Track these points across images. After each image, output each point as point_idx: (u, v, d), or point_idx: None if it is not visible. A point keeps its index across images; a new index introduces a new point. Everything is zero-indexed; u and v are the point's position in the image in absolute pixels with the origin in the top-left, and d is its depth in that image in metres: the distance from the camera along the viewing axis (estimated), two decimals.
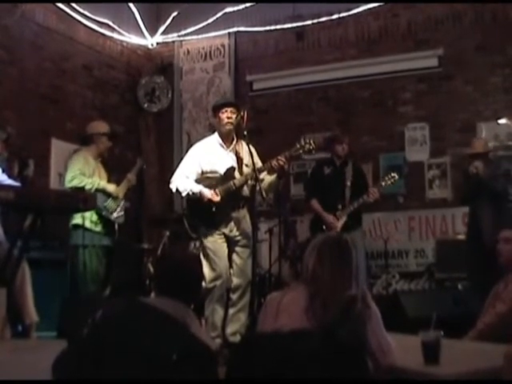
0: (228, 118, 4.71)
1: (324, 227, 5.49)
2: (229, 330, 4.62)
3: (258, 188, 4.44)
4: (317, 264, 2.53)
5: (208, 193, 4.63)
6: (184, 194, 4.75)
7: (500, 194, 5.49)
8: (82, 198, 4.03)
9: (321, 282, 2.48)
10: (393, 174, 5.62)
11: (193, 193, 4.68)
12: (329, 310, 2.38)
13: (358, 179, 5.78)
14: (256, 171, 4.43)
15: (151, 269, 6.05)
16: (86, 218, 5.27)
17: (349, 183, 5.69)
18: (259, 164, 4.66)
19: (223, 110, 4.75)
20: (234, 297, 4.66)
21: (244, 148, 4.76)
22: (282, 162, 4.53)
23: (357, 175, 5.81)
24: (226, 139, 4.81)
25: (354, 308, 2.39)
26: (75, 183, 5.29)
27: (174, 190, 4.84)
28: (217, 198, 4.60)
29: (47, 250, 5.30)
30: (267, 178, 4.65)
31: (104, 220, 5.43)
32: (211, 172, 4.75)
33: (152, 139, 8.12)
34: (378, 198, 5.59)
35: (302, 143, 4.67)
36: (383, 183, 5.64)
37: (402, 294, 5.44)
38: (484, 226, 5.41)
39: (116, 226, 5.53)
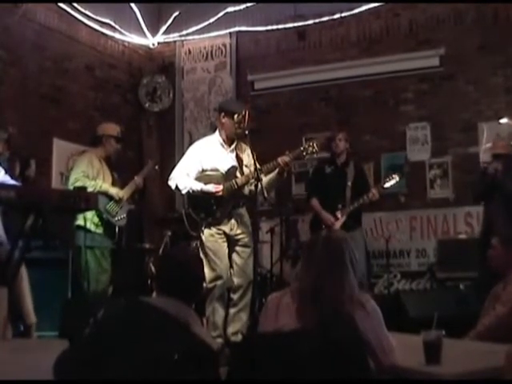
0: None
1: (323, 227, 5.48)
2: (230, 329, 4.62)
3: (259, 187, 4.44)
4: (304, 265, 2.54)
5: (211, 187, 4.64)
6: (184, 192, 4.75)
7: None
8: (84, 198, 4.02)
9: (308, 283, 2.47)
10: (394, 175, 5.63)
11: (193, 190, 4.68)
12: (319, 311, 2.38)
13: (359, 179, 5.78)
14: (257, 170, 4.43)
15: (153, 269, 6.05)
16: (88, 220, 5.27)
17: (349, 183, 5.69)
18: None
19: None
20: (234, 297, 4.65)
21: (244, 149, 4.78)
22: (287, 159, 4.54)
23: (358, 175, 5.81)
24: (228, 139, 4.81)
25: (343, 307, 2.39)
26: (78, 185, 5.28)
27: (173, 187, 4.83)
28: (220, 191, 4.61)
29: (49, 250, 5.28)
30: (266, 176, 4.64)
31: (105, 222, 5.43)
32: (212, 170, 4.75)
33: (153, 139, 8.12)
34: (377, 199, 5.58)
35: (306, 146, 4.68)
36: (384, 185, 5.63)
37: (403, 294, 5.43)
38: (498, 225, 5.36)
39: (117, 229, 5.53)
